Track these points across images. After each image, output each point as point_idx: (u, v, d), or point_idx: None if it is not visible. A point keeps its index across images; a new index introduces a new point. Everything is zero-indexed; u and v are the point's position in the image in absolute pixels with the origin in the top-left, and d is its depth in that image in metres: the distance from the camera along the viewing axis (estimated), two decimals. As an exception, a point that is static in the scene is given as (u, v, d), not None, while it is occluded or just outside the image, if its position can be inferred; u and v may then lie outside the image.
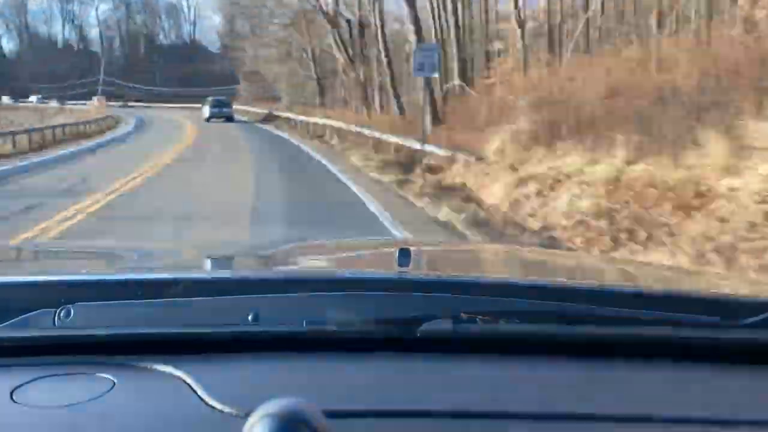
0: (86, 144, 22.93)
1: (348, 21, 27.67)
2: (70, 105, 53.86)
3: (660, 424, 0.82)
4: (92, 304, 1.02)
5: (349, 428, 0.75)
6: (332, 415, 0.65)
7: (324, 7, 27.66)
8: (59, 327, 0.98)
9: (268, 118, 38.10)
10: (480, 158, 12.06)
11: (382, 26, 23.28)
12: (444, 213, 9.04)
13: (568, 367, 0.95)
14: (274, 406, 0.60)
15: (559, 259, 2.19)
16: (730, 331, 1.02)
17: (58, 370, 0.91)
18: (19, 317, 0.98)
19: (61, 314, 0.99)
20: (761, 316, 1.02)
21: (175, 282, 1.15)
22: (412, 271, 1.42)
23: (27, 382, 0.87)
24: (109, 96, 58.75)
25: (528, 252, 2.90)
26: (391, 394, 0.85)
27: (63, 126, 26.58)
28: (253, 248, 2.12)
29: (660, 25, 14.02)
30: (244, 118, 40.45)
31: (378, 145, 18.09)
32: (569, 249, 6.35)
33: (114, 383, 0.87)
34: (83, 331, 0.97)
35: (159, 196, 10.86)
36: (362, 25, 26.34)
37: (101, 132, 29.39)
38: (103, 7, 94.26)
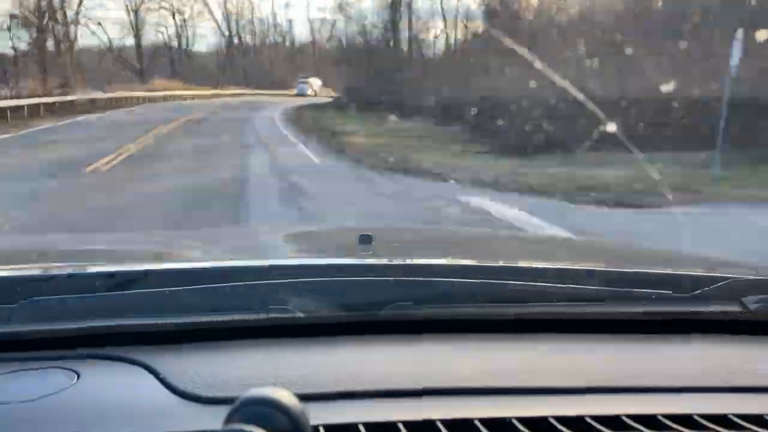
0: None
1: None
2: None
3: (613, 395, 0.85)
4: (49, 298, 1.00)
5: (316, 411, 0.76)
6: (304, 398, 0.65)
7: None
8: (18, 322, 0.97)
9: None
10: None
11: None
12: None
13: (526, 345, 0.98)
14: (254, 393, 0.60)
15: (519, 242, 2.22)
16: (679, 304, 1.06)
17: (21, 366, 0.90)
18: None
19: (18, 309, 0.97)
20: (711, 288, 1.06)
21: (134, 274, 1.14)
22: (373, 257, 1.44)
23: None
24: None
25: (490, 235, 2.94)
26: (355, 376, 0.87)
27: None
28: (216, 235, 2.10)
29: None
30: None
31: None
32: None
33: (78, 375, 0.86)
34: (46, 326, 0.96)
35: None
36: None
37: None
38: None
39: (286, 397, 0.60)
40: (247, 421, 0.57)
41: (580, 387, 0.86)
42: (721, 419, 0.77)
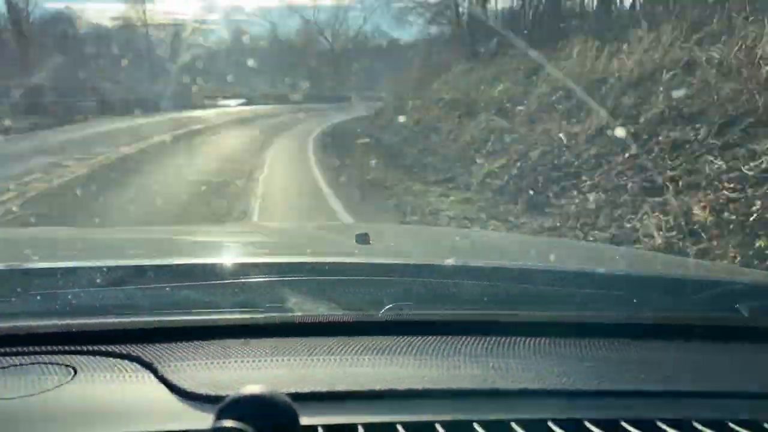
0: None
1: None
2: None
3: (615, 399, 0.85)
4: (45, 293, 1.00)
5: (314, 411, 0.76)
6: (297, 398, 0.65)
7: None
8: (14, 316, 0.96)
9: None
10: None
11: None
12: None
13: (524, 347, 0.97)
14: (242, 392, 0.60)
15: (519, 244, 2.22)
16: (678, 309, 1.06)
17: (16, 361, 0.89)
18: None
19: (15, 303, 0.97)
20: (708, 293, 1.06)
21: (132, 270, 1.14)
22: (371, 256, 1.43)
23: None
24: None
25: (489, 236, 2.93)
26: (354, 377, 0.87)
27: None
28: (215, 233, 2.10)
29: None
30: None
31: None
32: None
33: (75, 371, 0.86)
34: (43, 320, 0.96)
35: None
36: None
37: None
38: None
39: (275, 395, 0.60)
40: (236, 419, 0.57)
41: (579, 390, 0.86)
42: (719, 425, 0.77)
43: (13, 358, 0.90)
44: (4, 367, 0.88)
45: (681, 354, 1.00)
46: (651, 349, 1.00)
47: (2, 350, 0.92)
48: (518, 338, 0.99)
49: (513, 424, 0.76)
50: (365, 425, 0.75)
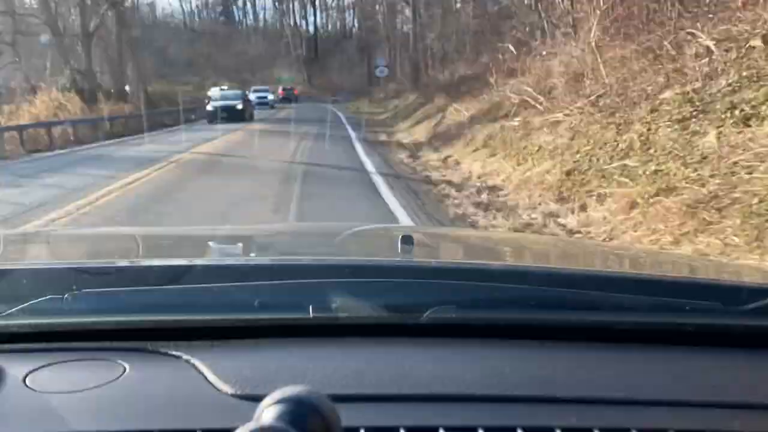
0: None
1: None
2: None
3: (662, 407, 0.83)
4: (98, 291, 1.03)
5: (357, 413, 0.76)
6: (339, 399, 0.66)
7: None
8: (68, 313, 0.99)
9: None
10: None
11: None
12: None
13: (571, 353, 0.96)
14: (283, 393, 0.60)
15: (562, 247, 2.19)
16: (732, 317, 1.03)
17: (70, 356, 0.92)
18: (27, 303, 0.99)
19: (69, 300, 1.00)
20: (762, 302, 1.03)
21: (181, 269, 1.16)
22: (416, 258, 1.43)
23: (39, 368, 0.88)
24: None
25: (531, 239, 2.90)
26: (397, 379, 0.87)
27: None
28: (260, 233, 2.13)
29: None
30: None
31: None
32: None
33: (125, 369, 0.88)
34: (95, 318, 0.99)
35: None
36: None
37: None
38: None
39: (317, 396, 0.60)
40: (278, 419, 0.57)
41: (636, 399, 0.84)
42: None
43: (66, 353, 0.93)
44: (57, 363, 0.90)
45: (732, 363, 0.97)
46: (698, 358, 0.97)
47: (56, 346, 0.95)
48: (566, 344, 0.98)
49: (558, 431, 0.75)
50: (407, 428, 0.75)
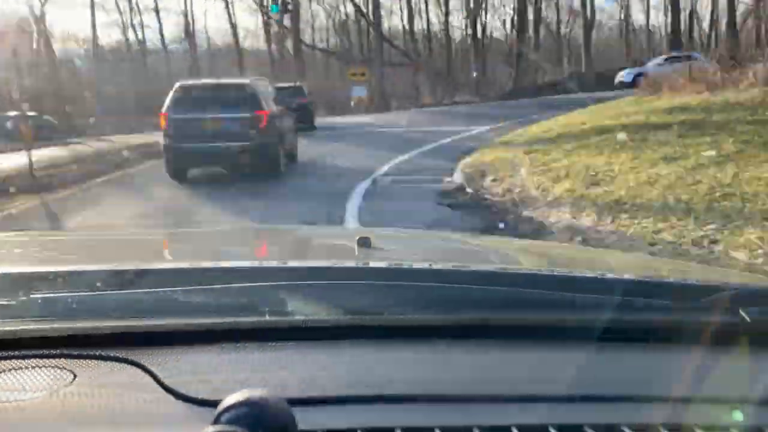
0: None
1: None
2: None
3: (617, 403, 0.85)
4: (47, 296, 1.00)
5: (314, 415, 0.76)
6: (297, 402, 0.65)
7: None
8: (17, 319, 0.97)
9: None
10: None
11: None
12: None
13: (530, 351, 0.97)
14: (239, 396, 0.60)
15: (525, 248, 2.22)
16: (682, 313, 1.06)
17: (19, 363, 0.89)
18: None
19: (17, 306, 0.97)
20: (710, 298, 1.06)
21: (133, 273, 1.14)
22: (373, 261, 1.43)
23: None
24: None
25: (493, 241, 2.94)
26: (354, 381, 0.87)
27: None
28: (215, 236, 2.11)
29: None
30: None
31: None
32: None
33: (75, 375, 0.86)
34: (44, 324, 0.96)
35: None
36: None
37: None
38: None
39: (273, 399, 0.60)
40: (233, 423, 0.57)
41: (580, 395, 0.86)
42: (723, 430, 0.77)
43: (13, 361, 0.90)
44: (7, 370, 0.88)
45: (683, 359, 0.99)
46: (651, 354, 1.00)
47: (4, 353, 0.92)
48: (521, 342, 0.99)
49: (514, 430, 0.76)
50: (365, 430, 0.75)
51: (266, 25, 46.65)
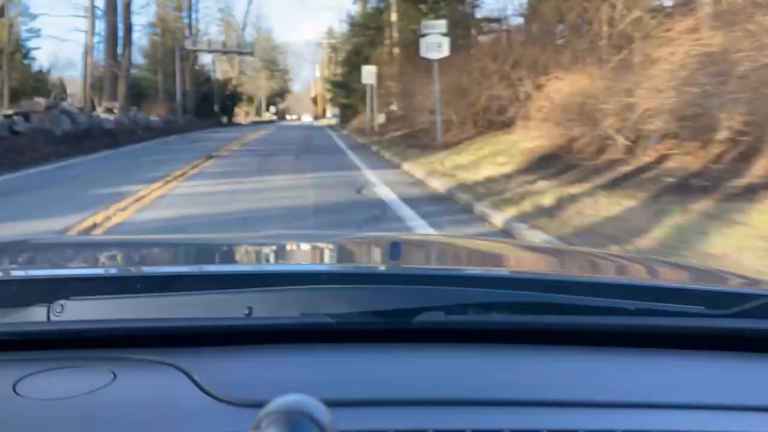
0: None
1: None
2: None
3: (648, 409, 0.84)
4: (86, 299, 1.03)
5: (349, 418, 0.77)
6: (334, 404, 0.66)
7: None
8: (57, 321, 0.99)
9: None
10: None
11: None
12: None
13: (559, 357, 0.97)
14: (282, 401, 0.61)
15: (549, 253, 2.21)
16: (716, 321, 1.05)
17: (59, 364, 0.92)
18: (15, 311, 0.99)
19: (56, 309, 0.99)
20: (746, 306, 1.04)
21: (170, 277, 1.17)
22: (405, 264, 1.44)
23: (29, 375, 0.88)
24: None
25: (519, 246, 2.92)
26: (388, 384, 0.87)
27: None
28: (249, 241, 2.13)
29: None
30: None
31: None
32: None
33: (114, 375, 0.88)
34: (84, 325, 0.99)
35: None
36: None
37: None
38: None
39: (314, 404, 0.60)
40: (273, 426, 0.58)
41: (622, 402, 0.86)
42: None
43: (56, 361, 0.93)
44: (47, 370, 0.90)
45: (717, 367, 0.98)
46: (685, 361, 0.99)
47: (45, 354, 0.95)
48: (551, 347, 0.99)
49: None
50: None
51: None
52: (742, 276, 1.57)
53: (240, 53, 56.05)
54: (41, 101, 22.82)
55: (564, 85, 12.49)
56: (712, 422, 0.81)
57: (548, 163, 11.00)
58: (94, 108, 31.22)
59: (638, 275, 1.58)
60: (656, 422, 0.80)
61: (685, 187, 7.94)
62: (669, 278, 1.53)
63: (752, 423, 0.82)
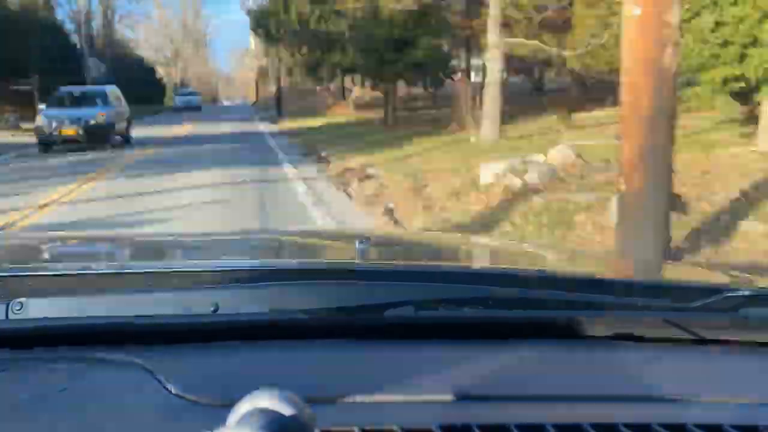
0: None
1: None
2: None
3: (614, 403, 0.85)
4: (46, 296, 1.00)
5: (323, 415, 0.76)
6: (312, 401, 0.65)
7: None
8: (15, 320, 0.96)
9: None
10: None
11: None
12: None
13: (528, 350, 0.98)
14: (254, 397, 0.59)
15: (517, 249, 2.23)
16: (681, 314, 1.06)
17: (18, 364, 0.89)
18: None
19: (15, 307, 0.97)
20: (709, 300, 1.06)
21: (134, 274, 1.15)
22: (374, 260, 1.44)
23: None
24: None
25: (488, 243, 2.95)
26: (359, 380, 0.87)
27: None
28: (217, 238, 2.11)
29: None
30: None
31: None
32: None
33: (75, 376, 0.86)
34: (43, 323, 0.96)
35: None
36: None
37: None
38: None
39: (289, 398, 0.59)
40: (248, 424, 0.56)
41: (590, 395, 0.86)
42: (716, 428, 0.78)
43: (14, 362, 0.90)
44: (4, 371, 0.88)
45: (682, 360, 1.00)
46: (650, 354, 1.00)
47: (3, 351, 0.92)
48: (522, 342, 0.99)
49: (514, 430, 0.76)
50: (366, 431, 0.75)
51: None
52: (709, 274, 1.60)
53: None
54: None
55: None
56: (682, 414, 0.82)
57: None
58: None
59: (607, 272, 1.60)
60: (658, 415, 0.81)
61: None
62: (639, 275, 1.56)
63: (716, 414, 0.84)
